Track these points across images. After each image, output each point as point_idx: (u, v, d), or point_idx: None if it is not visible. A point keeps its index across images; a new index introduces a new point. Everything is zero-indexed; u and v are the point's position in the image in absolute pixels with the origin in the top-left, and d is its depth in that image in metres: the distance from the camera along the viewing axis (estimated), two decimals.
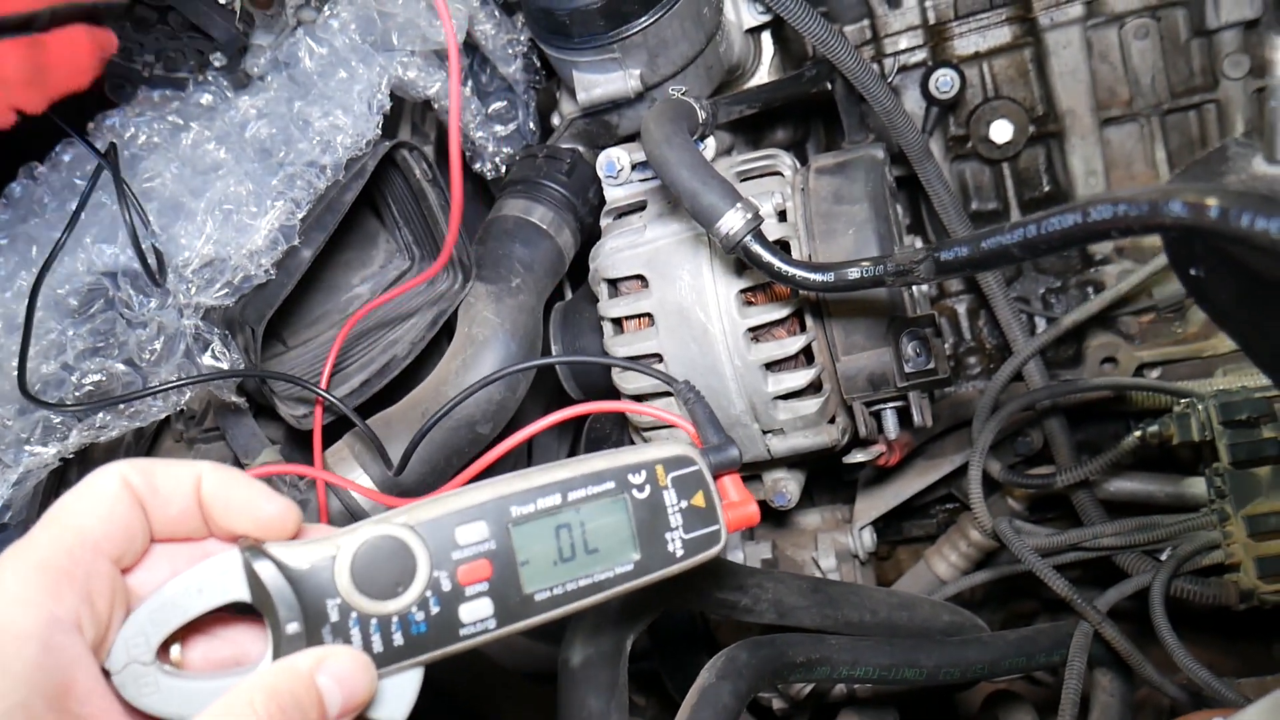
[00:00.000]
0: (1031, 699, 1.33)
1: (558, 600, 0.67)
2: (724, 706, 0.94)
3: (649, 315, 1.16)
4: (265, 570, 0.60)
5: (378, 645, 0.62)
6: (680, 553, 0.71)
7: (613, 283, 1.19)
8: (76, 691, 0.54)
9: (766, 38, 1.40)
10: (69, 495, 0.59)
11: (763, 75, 1.41)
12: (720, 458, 0.78)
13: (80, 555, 0.57)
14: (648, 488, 0.71)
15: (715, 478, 0.77)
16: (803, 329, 1.14)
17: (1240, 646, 1.46)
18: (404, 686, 0.64)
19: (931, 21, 1.41)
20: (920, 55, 1.41)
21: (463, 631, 0.64)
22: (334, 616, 0.62)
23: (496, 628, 0.66)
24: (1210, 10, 1.32)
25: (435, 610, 0.64)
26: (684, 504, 0.72)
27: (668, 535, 0.71)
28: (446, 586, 0.64)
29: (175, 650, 0.62)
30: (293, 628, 0.60)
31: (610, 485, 0.70)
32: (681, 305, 1.13)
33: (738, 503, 0.78)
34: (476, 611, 0.65)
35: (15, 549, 0.56)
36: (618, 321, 1.19)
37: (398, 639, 0.63)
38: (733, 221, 0.99)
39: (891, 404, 1.19)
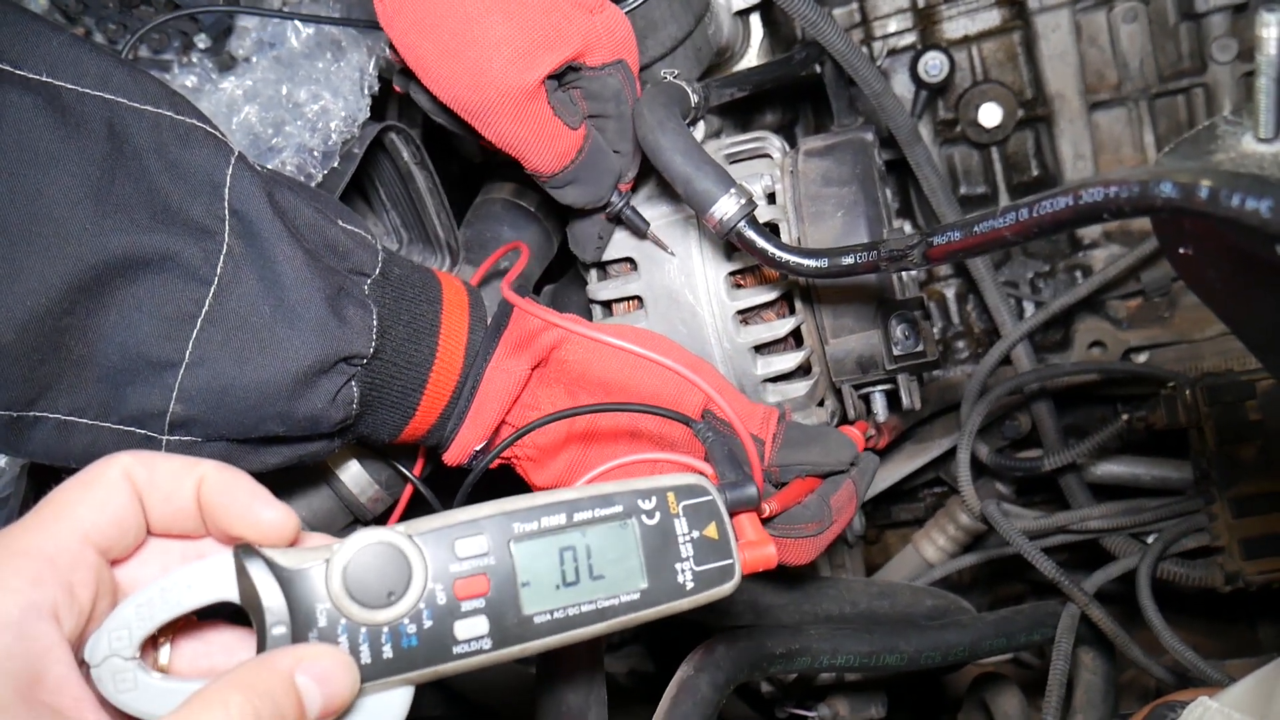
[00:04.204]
0: (1018, 680, 1.34)
1: (558, 625, 0.64)
2: (702, 698, 0.94)
3: (638, 298, 1.16)
4: (256, 570, 0.59)
5: (365, 656, 0.60)
6: (691, 585, 0.68)
7: (601, 266, 1.19)
8: (48, 682, 0.53)
9: (755, 20, 1.39)
10: (68, 481, 0.58)
11: (751, 58, 1.40)
12: (737, 494, 0.75)
13: (66, 543, 0.56)
14: (658, 514, 0.68)
15: (731, 515, 0.73)
16: (792, 311, 1.14)
17: (1225, 628, 1.47)
18: (391, 705, 0.61)
19: (920, 5, 1.41)
20: (909, 38, 1.41)
21: (456, 649, 0.62)
22: (322, 621, 0.59)
23: (492, 648, 0.63)
24: None
25: (428, 624, 0.61)
26: (696, 534, 0.69)
27: (678, 566, 0.68)
28: (442, 600, 0.62)
29: (165, 651, 0.61)
30: (278, 630, 0.58)
31: (618, 509, 0.67)
32: (670, 288, 1.13)
33: (755, 542, 0.74)
34: (472, 629, 0.62)
35: (4, 533, 0.55)
36: (607, 304, 1.19)
37: (387, 651, 0.60)
38: (727, 207, 0.99)
39: (880, 387, 1.19)
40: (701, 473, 0.81)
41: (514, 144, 0.99)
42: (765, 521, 0.83)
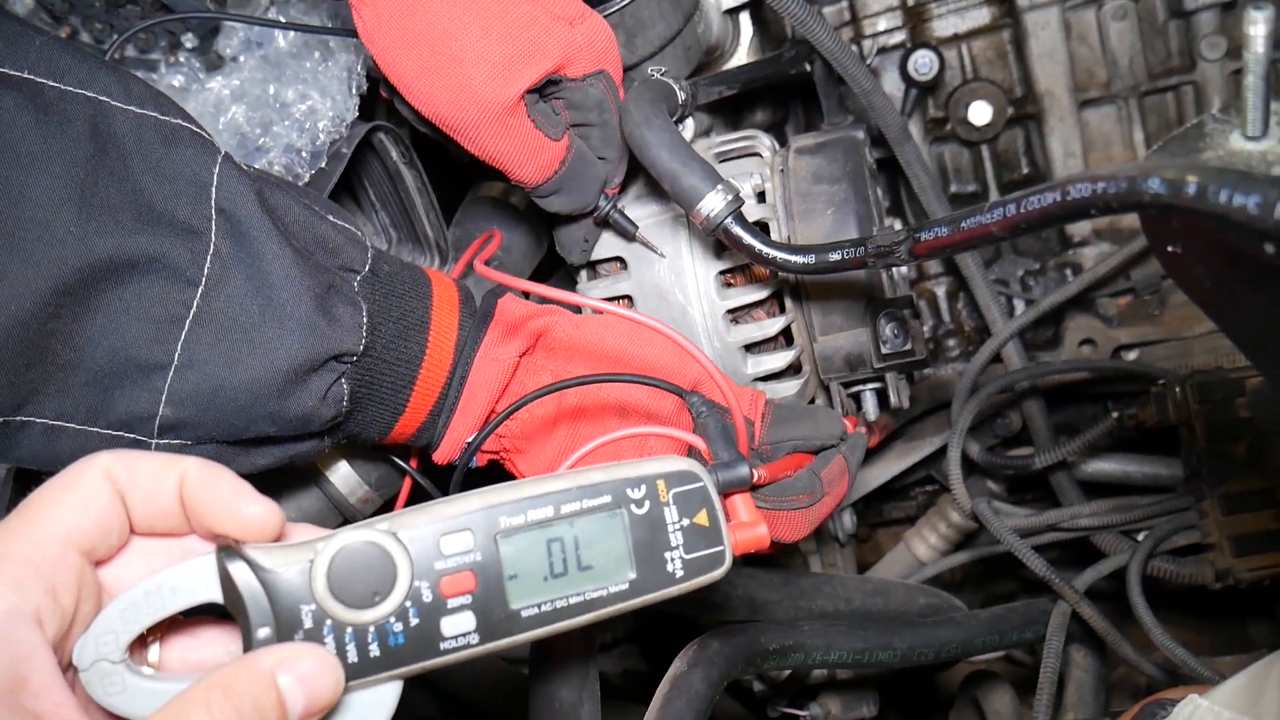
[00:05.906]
0: (1010, 677, 1.34)
1: (545, 618, 0.64)
2: (696, 694, 0.94)
3: (628, 297, 1.15)
4: (239, 572, 0.58)
5: (353, 655, 0.60)
6: (680, 574, 0.67)
7: (591, 265, 1.18)
8: (31, 686, 0.52)
9: (745, 18, 1.39)
10: (49, 483, 0.58)
11: (741, 56, 1.40)
12: (729, 475, 0.75)
13: (48, 546, 0.55)
14: (647, 503, 0.67)
15: (724, 496, 0.73)
16: (782, 310, 1.14)
17: (1216, 625, 1.47)
18: (380, 699, 0.61)
19: (910, 3, 1.41)
20: (899, 37, 1.41)
21: (443, 645, 0.62)
22: (308, 623, 0.59)
23: (479, 643, 0.63)
24: None
25: (415, 622, 0.61)
26: (686, 522, 0.68)
27: (667, 555, 0.67)
28: (427, 598, 0.61)
29: (154, 650, 0.61)
30: (264, 633, 0.58)
31: (607, 499, 0.66)
32: (661, 287, 1.13)
33: (747, 523, 0.74)
34: (458, 625, 0.62)
35: None
36: None
37: (374, 650, 0.60)
38: (713, 203, 0.99)
39: (869, 386, 1.19)
40: (693, 446, 0.81)
41: (496, 158, 0.99)
42: (754, 489, 0.83)
